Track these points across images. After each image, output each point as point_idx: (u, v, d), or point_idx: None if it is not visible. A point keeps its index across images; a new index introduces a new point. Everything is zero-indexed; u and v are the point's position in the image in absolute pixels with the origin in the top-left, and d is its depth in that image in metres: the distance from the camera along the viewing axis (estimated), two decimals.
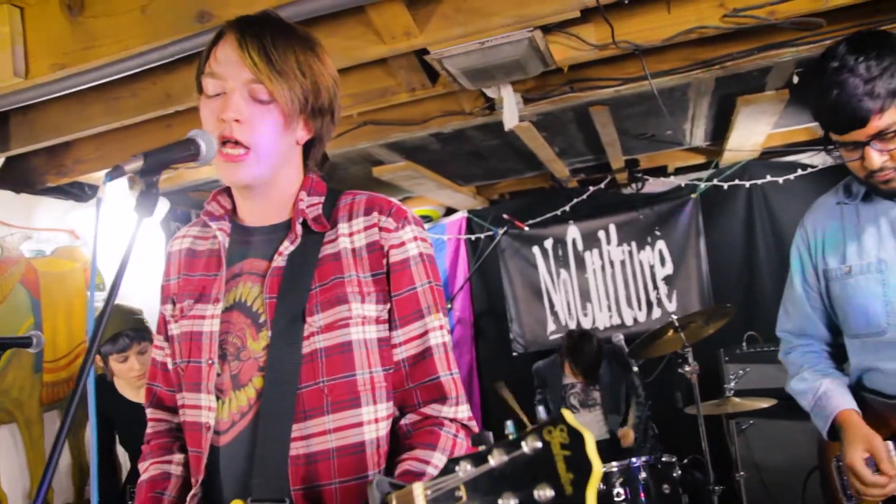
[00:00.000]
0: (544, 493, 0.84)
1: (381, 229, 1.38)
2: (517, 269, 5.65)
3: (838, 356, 2.03)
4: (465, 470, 0.91)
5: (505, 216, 5.00)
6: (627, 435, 3.98)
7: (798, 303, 2.03)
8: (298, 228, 1.38)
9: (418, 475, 1.27)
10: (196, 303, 1.42)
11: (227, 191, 1.48)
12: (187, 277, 1.47)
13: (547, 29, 2.65)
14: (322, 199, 1.43)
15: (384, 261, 1.37)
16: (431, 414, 1.37)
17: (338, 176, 4.62)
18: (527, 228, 5.35)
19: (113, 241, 3.43)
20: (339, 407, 1.32)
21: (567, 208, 5.36)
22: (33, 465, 3.44)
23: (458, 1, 2.42)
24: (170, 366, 1.49)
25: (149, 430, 1.56)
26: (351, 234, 1.39)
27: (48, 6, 2.41)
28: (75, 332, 3.72)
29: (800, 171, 4.78)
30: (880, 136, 1.67)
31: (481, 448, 0.91)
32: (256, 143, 1.32)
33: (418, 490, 0.96)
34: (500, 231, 5.07)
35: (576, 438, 0.85)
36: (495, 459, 0.89)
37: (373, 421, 1.34)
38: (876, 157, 1.69)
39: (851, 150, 1.73)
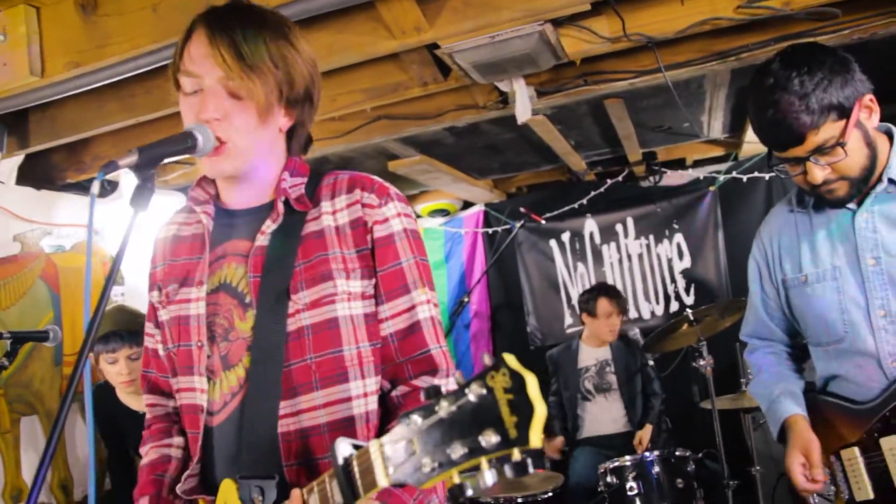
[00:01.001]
0: (490, 438, 0.85)
1: (363, 206, 1.38)
2: (534, 263, 5.64)
3: (799, 356, 2.05)
4: (416, 423, 0.93)
5: (522, 209, 5.00)
6: (643, 439, 3.97)
7: (754, 310, 2.07)
8: (280, 207, 1.39)
9: None
10: (181, 287, 1.44)
11: None
12: (172, 263, 1.49)
13: (558, 22, 2.63)
14: (305, 179, 1.45)
15: (368, 237, 1.38)
16: (423, 385, 1.38)
17: (353, 170, 4.63)
18: (544, 222, 5.34)
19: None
20: (327, 382, 1.34)
21: (584, 201, 5.33)
22: (54, 456, 3.50)
23: None
24: (161, 352, 1.51)
25: (148, 416, 1.59)
26: (334, 212, 1.40)
27: (62, 6, 2.45)
28: None
29: None
30: (819, 150, 1.66)
31: (430, 400, 0.92)
32: (235, 138, 1.33)
33: (374, 447, 0.99)
34: (518, 224, 5.08)
35: (517, 381, 0.85)
36: (444, 410, 0.90)
37: (361, 395, 1.36)
38: (818, 172, 1.68)
39: (794, 165, 1.73)
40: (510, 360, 0.86)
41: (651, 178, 5.28)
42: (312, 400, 1.33)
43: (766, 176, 4.84)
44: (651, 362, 4.17)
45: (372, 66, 2.94)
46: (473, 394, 0.87)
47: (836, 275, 1.80)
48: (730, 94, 3.81)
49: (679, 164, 5.30)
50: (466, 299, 5.62)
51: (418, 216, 5.86)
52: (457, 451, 0.88)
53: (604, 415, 4.23)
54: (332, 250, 1.37)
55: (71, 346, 3.63)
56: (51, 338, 2.66)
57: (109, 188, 3.86)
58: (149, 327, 1.56)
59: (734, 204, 5.07)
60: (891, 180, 1.73)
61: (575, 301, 5.46)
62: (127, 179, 3.79)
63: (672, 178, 5.25)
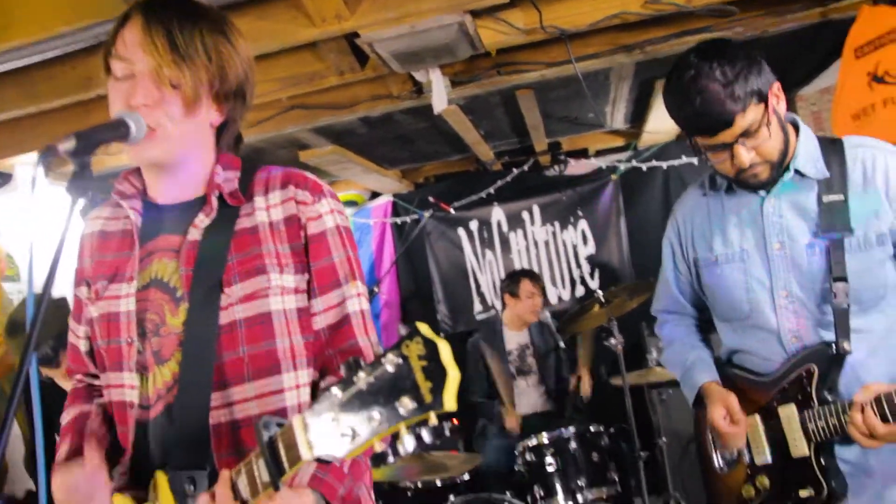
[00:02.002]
0: (407, 405, 0.90)
1: (297, 202, 1.41)
2: (443, 251, 5.72)
3: (706, 328, 2.21)
4: (336, 395, 0.96)
5: (430, 199, 5.05)
6: (584, 381, 4.17)
7: (666, 286, 2.23)
8: (214, 202, 1.40)
9: None
10: (110, 283, 1.42)
11: (139, 170, 1.48)
12: (100, 259, 1.47)
13: (476, 13, 2.69)
14: (238, 173, 1.45)
15: (302, 233, 1.41)
16: None
17: (264, 160, 4.48)
18: (452, 211, 5.41)
19: (23, 228, 3.32)
20: (259, 374, 1.35)
21: (492, 190, 5.44)
22: None
23: None
24: (83, 348, 1.51)
25: (69, 392, 1.58)
26: (268, 208, 1.42)
27: None
28: None
29: None
30: (746, 133, 1.76)
31: (349, 373, 0.96)
32: (163, 125, 1.33)
33: (297, 422, 1.02)
34: (426, 214, 5.13)
35: (431, 348, 0.90)
36: (362, 381, 0.94)
37: (294, 387, 1.38)
38: (745, 155, 1.78)
39: (720, 151, 1.81)
40: (424, 328, 0.91)
41: (556, 168, 5.44)
42: (244, 392, 1.34)
43: (664, 164, 5.09)
44: (562, 345, 4.32)
45: (289, 54, 2.91)
46: (390, 363, 0.92)
47: (743, 257, 1.94)
48: (633, 85, 3.99)
49: (582, 153, 5.49)
50: (376, 289, 5.61)
51: None
52: (376, 419, 0.92)
53: (523, 398, 4.37)
54: (265, 245, 1.38)
55: None
56: None
57: (2, 179, 3.64)
58: (72, 324, 1.54)
59: (635, 191, 5.31)
60: (797, 170, 1.86)
61: (484, 288, 5.60)
62: (21, 170, 3.58)
63: (576, 167, 5.44)
